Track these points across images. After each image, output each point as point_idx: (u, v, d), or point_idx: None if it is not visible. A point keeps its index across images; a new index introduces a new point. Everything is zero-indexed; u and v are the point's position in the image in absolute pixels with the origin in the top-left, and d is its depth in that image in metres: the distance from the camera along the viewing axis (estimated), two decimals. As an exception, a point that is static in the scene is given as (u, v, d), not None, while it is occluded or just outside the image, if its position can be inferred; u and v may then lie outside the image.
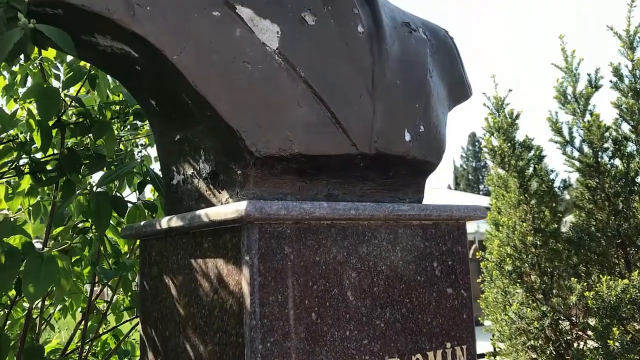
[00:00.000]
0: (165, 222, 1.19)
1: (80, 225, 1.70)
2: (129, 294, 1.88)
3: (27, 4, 1.03)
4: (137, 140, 1.82)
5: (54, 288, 1.35)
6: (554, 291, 3.70)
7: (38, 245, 1.48)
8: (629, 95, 3.94)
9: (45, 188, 1.71)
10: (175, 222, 1.15)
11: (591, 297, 3.34)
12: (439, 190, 18.86)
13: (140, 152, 1.85)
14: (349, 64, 1.21)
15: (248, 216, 0.96)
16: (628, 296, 3.27)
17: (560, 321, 3.62)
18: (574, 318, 3.57)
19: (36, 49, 1.46)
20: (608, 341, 3.21)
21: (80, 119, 1.60)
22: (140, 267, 1.36)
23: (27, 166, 1.58)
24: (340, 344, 1.04)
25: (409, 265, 1.15)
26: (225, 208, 1.01)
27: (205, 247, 1.10)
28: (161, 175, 1.48)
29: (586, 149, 3.98)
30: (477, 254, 4.11)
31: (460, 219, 1.24)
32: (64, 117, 1.58)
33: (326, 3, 1.17)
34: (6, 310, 1.66)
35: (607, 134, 3.93)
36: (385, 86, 1.24)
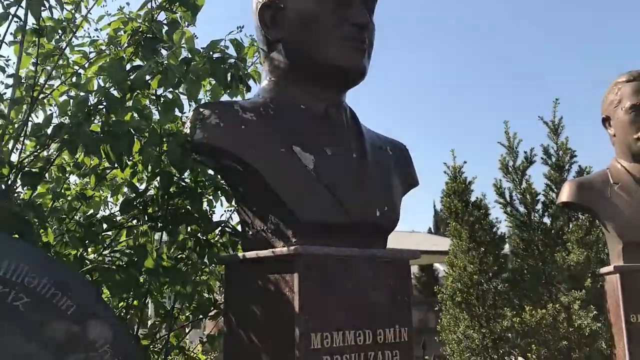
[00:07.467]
0: (243, 255, 2.17)
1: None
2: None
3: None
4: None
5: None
6: (494, 318, 4.72)
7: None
8: (556, 169, 5.09)
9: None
10: (250, 255, 2.14)
11: (517, 322, 4.36)
12: (419, 234, 19.90)
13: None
14: (349, 174, 2.25)
15: (297, 252, 1.96)
16: (544, 322, 4.29)
17: (497, 341, 4.61)
18: (510, 338, 4.59)
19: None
20: (527, 355, 4.20)
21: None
22: (225, 285, 2.33)
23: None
24: (344, 321, 2.03)
25: (378, 281, 2.16)
26: (283, 249, 2.00)
27: (269, 271, 2.09)
28: (240, 229, 2.44)
29: (522, 209, 5.10)
30: (435, 288, 5.16)
31: (405, 258, 2.25)
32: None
33: (336, 142, 2.21)
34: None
35: (537, 198, 5.07)
36: (368, 184, 2.28)
